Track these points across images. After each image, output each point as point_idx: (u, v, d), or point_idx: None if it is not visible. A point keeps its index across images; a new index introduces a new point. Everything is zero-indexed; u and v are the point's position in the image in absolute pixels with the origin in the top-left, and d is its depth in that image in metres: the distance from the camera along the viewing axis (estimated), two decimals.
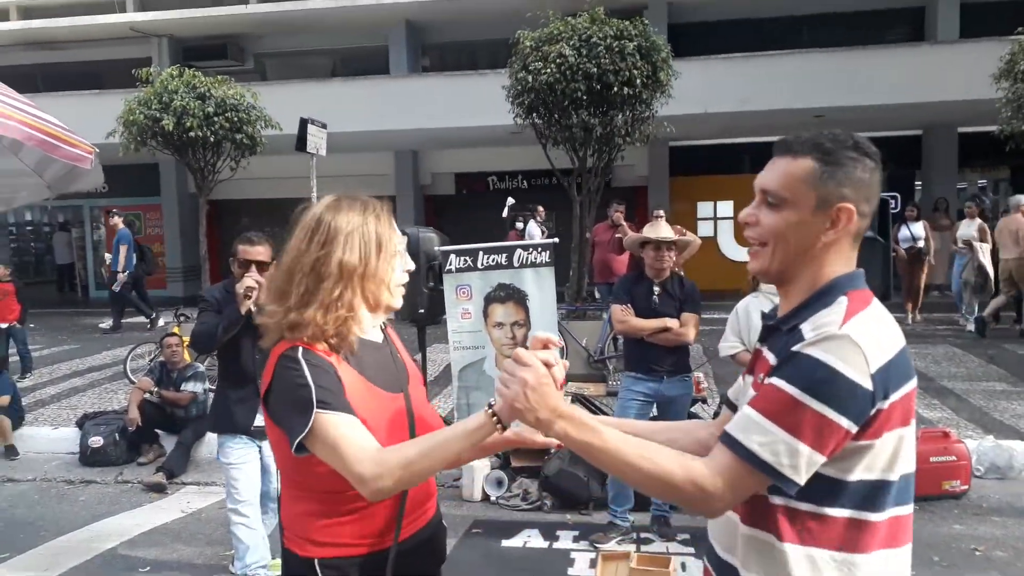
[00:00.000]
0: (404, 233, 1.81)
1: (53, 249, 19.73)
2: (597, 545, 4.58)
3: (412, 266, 1.80)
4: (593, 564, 4.32)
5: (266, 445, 3.90)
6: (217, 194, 13.32)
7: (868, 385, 1.26)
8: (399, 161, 17.02)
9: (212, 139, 10.25)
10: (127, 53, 17.08)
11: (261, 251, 3.78)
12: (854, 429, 1.27)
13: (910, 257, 11.16)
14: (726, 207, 15.90)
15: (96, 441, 6.45)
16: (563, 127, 9.08)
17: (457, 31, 16.95)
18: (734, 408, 1.57)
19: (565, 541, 4.72)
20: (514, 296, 5.75)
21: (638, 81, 8.65)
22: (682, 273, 4.95)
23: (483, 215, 14.81)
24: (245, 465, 3.87)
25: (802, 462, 1.26)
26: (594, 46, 8.61)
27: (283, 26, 17.02)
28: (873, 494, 1.33)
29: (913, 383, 1.36)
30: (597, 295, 10.50)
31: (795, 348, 1.31)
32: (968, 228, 10.62)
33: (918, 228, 11.21)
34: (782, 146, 1.43)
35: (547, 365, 1.40)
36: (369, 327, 1.74)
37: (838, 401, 1.26)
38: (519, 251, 5.90)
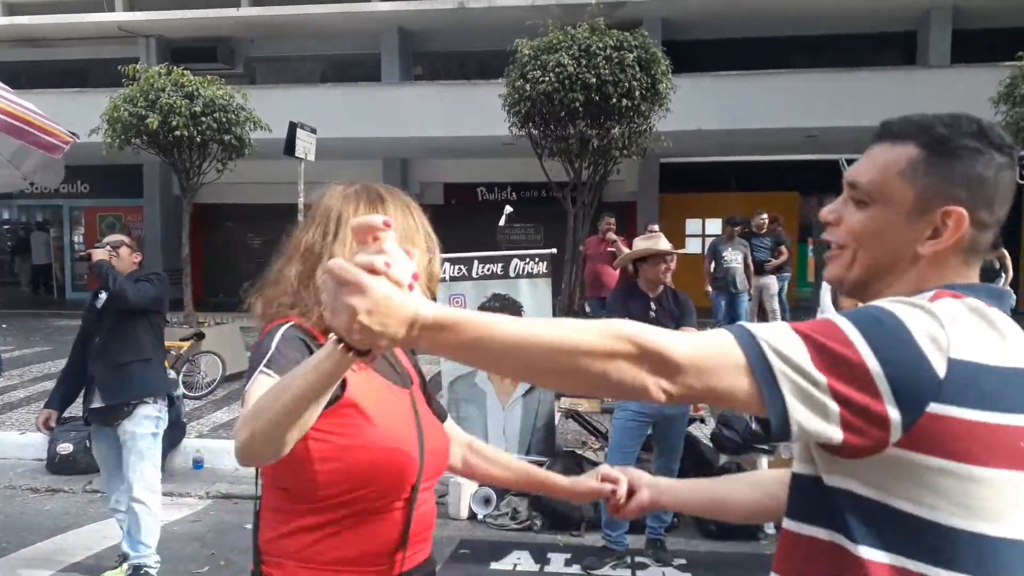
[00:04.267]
0: None
1: (30, 249, 19.28)
2: (591, 572, 4.38)
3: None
4: None
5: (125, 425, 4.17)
6: (202, 197, 13.01)
7: (938, 368, 0.91)
8: (387, 169, 16.82)
9: (199, 139, 10.02)
10: (114, 53, 16.80)
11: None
12: (893, 409, 0.91)
13: None
14: (715, 225, 15.82)
15: (65, 448, 6.15)
16: (559, 138, 8.96)
17: (450, 41, 16.84)
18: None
19: (557, 564, 4.52)
20: (508, 307, 5.61)
21: (637, 93, 8.54)
22: (672, 286, 4.79)
23: (472, 227, 14.62)
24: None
25: (797, 375, 0.91)
26: (593, 55, 8.51)
27: (274, 30, 16.84)
28: (960, 544, 0.95)
29: None
30: (588, 309, 10.34)
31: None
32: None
33: None
34: (883, 128, 1.11)
35: (372, 272, 0.92)
36: None
37: (889, 357, 0.91)
38: (515, 260, 5.76)
